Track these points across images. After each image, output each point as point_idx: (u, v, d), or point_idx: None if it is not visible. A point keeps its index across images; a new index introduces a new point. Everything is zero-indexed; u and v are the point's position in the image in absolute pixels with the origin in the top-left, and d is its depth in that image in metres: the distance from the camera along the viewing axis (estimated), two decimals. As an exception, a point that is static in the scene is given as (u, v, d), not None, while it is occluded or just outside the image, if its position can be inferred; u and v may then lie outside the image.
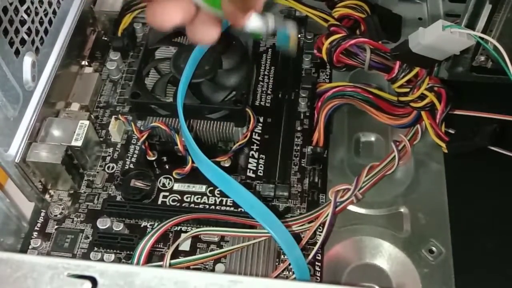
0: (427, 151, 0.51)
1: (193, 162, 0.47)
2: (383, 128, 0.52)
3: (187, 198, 0.48)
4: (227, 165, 0.48)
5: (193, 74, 0.48)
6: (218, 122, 0.49)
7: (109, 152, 0.51)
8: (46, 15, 0.48)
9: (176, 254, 0.44)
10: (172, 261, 0.43)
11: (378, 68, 0.49)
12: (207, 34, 0.33)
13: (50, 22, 0.48)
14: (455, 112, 0.50)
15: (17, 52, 0.43)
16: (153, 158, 0.49)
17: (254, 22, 0.33)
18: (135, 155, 0.51)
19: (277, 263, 0.44)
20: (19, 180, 0.45)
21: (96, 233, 0.45)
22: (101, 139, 0.52)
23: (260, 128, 0.52)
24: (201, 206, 0.48)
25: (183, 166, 0.48)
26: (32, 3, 0.45)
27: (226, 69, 0.50)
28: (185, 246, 0.46)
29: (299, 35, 0.57)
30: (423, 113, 0.49)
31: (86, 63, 0.56)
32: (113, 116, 0.52)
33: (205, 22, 0.32)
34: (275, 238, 0.41)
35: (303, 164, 0.50)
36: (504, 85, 0.45)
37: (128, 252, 0.45)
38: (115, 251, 0.45)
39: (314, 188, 0.49)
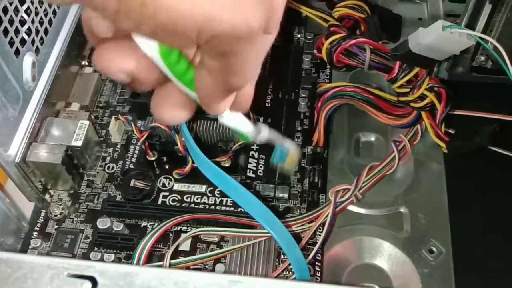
0: (427, 151, 0.51)
1: (193, 162, 0.47)
2: (383, 128, 0.52)
3: (187, 198, 0.48)
4: (227, 165, 0.48)
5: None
6: (218, 122, 0.49)
7: (109, 152, 0.51)
8: (46, 15, 0.48)
9: (176, 254, 0.44)
10: (172, 261, 0.43)
11: (378, 68, 0.49)
12: (172, 114, 0.27)
13: (50, 22, 0.48)
14: (455, 112, 0.50)
15: (17, 52, 0.43)
16: (153, 158, 0.49)
17: (239, 122, 0.29)
18: (135, 155, 0.51)
19: (277, 263, 0.44)
20: (19, 180, 0.45)
21: (96, 233, 0.45)
22: (101, 139, 0.52)
23: (260, 128, 0.52)
24: (201, 206, 0.48)
25: (183, 166, 0.48)
26: (32, 3, 0.45)
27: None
28: (185, 246, 0.46)
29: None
30: (423, 113, 0.49)
31: (86, 63, 0.56)
32: (113, 116, 0.52)
33: (171, 97, 0.27)
34: (275, 238, 0.41)
35: (303, 164, 0.50)
36: (504, 85, 0.45)
37: (128, 252, 0.45)
38: (115, 251, 0.45)
39: (314, 188, 0.49)
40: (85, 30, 0.25)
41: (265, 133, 0.31)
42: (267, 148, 0.50)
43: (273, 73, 0.56)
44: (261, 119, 0.52)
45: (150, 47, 0.24)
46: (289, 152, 0.34)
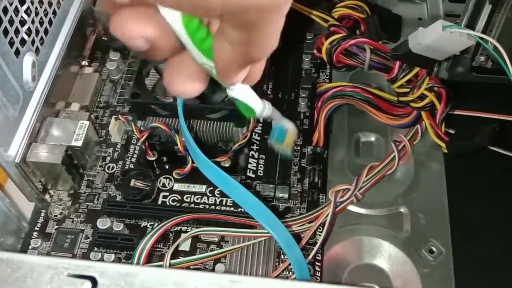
0: (427, 151, 0.51)
1: (193, 162, 0.47)
2: (383, 128, 0.52)
3: (187, 198, 0.48)
4: (227, 165, 0.48)
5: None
6: (218, 122, 0.49)
7: (109, 152, 0.51)
8: (46, 15, 0.48)
9: (176, 254, 0.44)
10: (172, 261, 0.43)
11: (378, 68, 0.49)
12: (186, 86, 0.27)
13: (50, 22, 0.48)
14: (455, 112, 0.50)
15: (17, 52, 0.43)
16: (153, 158, 0.49)
17: (247, 95, 0.29)
18: (135, 155, 0.51)
19: (277, 263, 0.44)
20: (19, 180, 0.45)
21: (96, 233, 0.45)
22: (101, 139, 0.52)
23: (260, 128, 0.52)
24: (201, 206, 0.48)
25: (183, 166, 0.48)
26: (32, 3, 0.45)
27: (226, 69, 0.50)
28: (185, 246, 0.46)
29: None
30: (423, 113, 0.49)
31: (86, 63, 0.56)
32: (113, 116, 0.52)
33: (186, 68, 0.26)
34: (275, 238, 0.41)
35: (303, 164, 0.50)
36: (504, 85, 0.45)
37: (128, 252, 0.45)
38: (115, 251, 0.45)
39: (314, 188, 0.49)
40: None
41: (269, 109, 0.31)
42: (267, 148, 0.50)
43: (273, 73, 0.56)
44: (261, 119, 0.52)
45: (171, 14, 0.23)
46: (287, 132, 0.33)
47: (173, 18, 0.24)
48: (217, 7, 0.21)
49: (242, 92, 0.29)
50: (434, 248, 0.46)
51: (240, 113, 0.31)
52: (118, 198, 0.48)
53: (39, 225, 0.47)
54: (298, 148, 0.51)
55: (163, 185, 0.49)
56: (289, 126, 0.33)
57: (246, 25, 0.23)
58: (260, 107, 0.30)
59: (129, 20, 0.24)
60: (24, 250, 0.46)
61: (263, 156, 0.50)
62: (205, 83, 0.27)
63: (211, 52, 0.25)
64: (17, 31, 0.43)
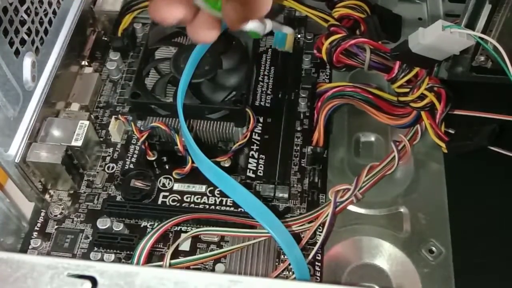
0: (427, 151, 0.51)
1: (193, 162, 0.47)
2: (383, 128, 0.52)
3: (187, 198, 0.48)
4: (227, 165, 0.48)
5: (193, 74, 0.48)
6: (218, 122, 0.49)
7: (109, 152, 0.51)
8: (46, 15, 0.48)
9: (176, 254, 0.44)
10: (172, 261, 0.43)
11: (378, 68, 0.49)
12: (206, 34, 0.34)
13: (50, 22, 0.48)
14: (455, 112, 0.50)
15: (17, 52, 0.43)
16: (153, 158, 0.49)
17: (252, 24, 0.36)
18: (135, 155, 0.51)
19: (277, 263, 0.44)
20: (19, 180, 0.45)
21: (96, 233, 0.45)
22: (101, 139, 0.52)
23: (260, 128, 0.52)
24: (201, 206, 0.48)
25: (183, 166, 0.48)
26: (32, 3, 0.45)
27: (226, 69, 0.50)
28: (185, 246, 0.46)
29: (298, 35, 0.57)
30: (423, 113, 0.49)
31: (86, 63, 0.56)
32: (113, 116, 0.52)
33: (205, 22, 0.33)
34: (275, 238, 0.41)
35: (303, 164, 0.50)
36: (504, 85, 0.45)
37: (128, 252, 0.45)
38: (115, 251, 0.45)
39: (314, 188, 0.49)
40: None
41: (269, 25, 0.39)
42: (267, 148, 0.50)
43: (273, 73, 0.56)
44: (261, 119, 0.52)
45: None
46: (287, 36, 0.44)
47: None
48: None
49: (247, 26, 0.37)
50: (434, 248, 0.46)
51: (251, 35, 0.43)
52: (118, 198, 0.48)
53: (39, 225, 0.47)
54: (298, 148, 0.51)
55: (163, 185, 0.49)
56: (288, 31, 0.43)
57: None
58: (262, 28, 0.40)
59: (165, 7, 0.31)
60: (24, 250, 0.46)
61: (263, 156, 0.50)
62: (218, 29, 0.34)
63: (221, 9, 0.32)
64: (17, 31, 0.43)
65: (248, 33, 0.38)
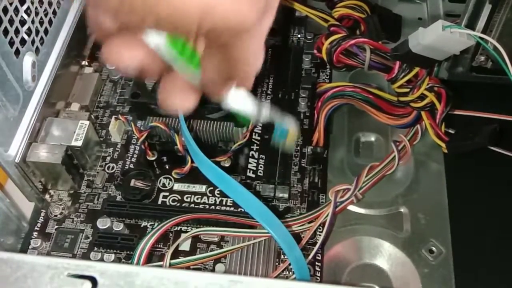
0: (427, 151, 0.51)
1: (192, 162, 0.47)
2: (383, 128, 0.52)
3: (187, 198, 0.48)
4: (227, 165, 0.48)
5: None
6: (218, 122, 0.49)
7: (109, 152, 0.51)
8: (46, 15, 0.48)
9: (176, 254, 0.44)
10: (172, 261, 0.43)
11: (378, 68, 0.49)
12: (180, 101, 0.28)
13: (50, 22, 0.48)
14: (455, 112, 0.50)
15: (17, 52, 0.43)
16: (153, 158, 0.49)
17: (243, 103, 0.29)
18: (135, 155, 0.51)
19: (277, 263, 0.44)
20: (19, 180, 0.45)
21: (96, 233, 0.45)
22: (101, 139, 0.52)
23: (260, 128, 0.52)
24: (201, 206, 0.48)
25: (182, 166, 0.48)
26: (32, 3, 0.45)
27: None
28: (185, 246, 0.46)
29: (299, 35, 0.57)
30: (423, 113, 0.49)
31: (86, 63, 0.56)
32: (113, 116, 0.52)
33: (177, 84, 0.27)
34: (275, 238, 0.41)
35: (303, 164, 0.50)
36: (504, 85, 0.45)
37: (128, 252, 0.45)
38: (115, 251, 0.45)
39: (314, 188, 0.49)
40: (90, 27, 0.26)
41: (266, 112, 0.31)
42: (267, 148, 0.50)
43: (273, 73, 0.56)
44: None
45: (158, 36, 0.25)
46: (289, 130, 0.35)
47: (160, 40, 0.25)
48: (191, 27, 0.22)
49: (236, 100, 0.29)
50: (434, 248, 0.46)
51: (239, 119, 0.31)
52: (118, 198, 0.48)
53: (39, 225, 0.47)
54: (298, 148, 0.51)
55: (163, 185, 0.49)
56: (290, 126, 0.35)
57: (223, 44, 0.24)
58: (256, 113, 0.31)
59: (119, 50, 0.25)
60: (24, 250, 0.46)
61: (263, 156, 0.50)
62: (198, 94, 0.28)
63: (198, 67, 0.26)
64: (17, 31, 0.43)
65: (236, 117, 0.31)
